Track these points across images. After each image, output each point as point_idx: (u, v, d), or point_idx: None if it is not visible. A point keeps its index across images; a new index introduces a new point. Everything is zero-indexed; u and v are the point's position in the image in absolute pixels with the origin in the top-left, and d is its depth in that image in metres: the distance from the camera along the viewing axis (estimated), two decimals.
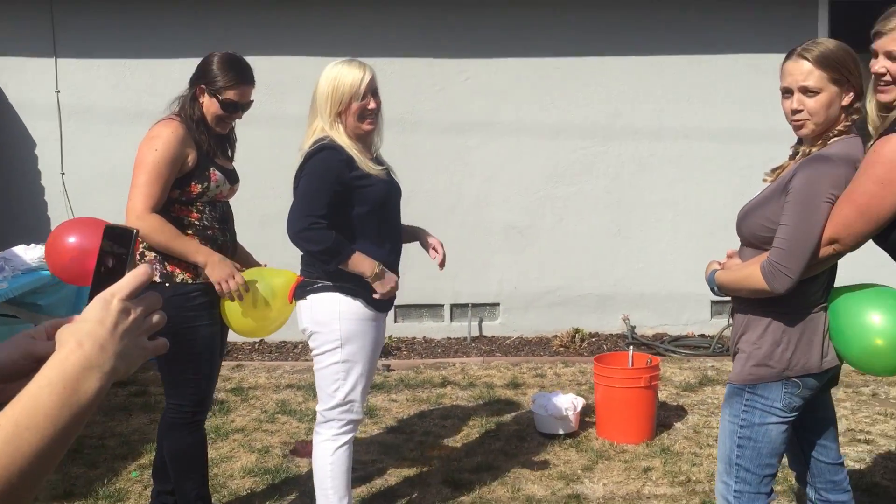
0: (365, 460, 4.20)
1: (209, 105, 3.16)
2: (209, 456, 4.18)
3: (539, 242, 6.68)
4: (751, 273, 2.38)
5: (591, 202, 6.67)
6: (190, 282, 3.16)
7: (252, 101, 3.25)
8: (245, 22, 6.39)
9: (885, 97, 2.28)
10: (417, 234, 3.57)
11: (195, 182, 3.14)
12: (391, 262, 3.26)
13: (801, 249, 2.28)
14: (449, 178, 6.64)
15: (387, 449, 4.37)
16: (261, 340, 6.47)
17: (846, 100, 2.36)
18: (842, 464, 2.69)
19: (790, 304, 2.39)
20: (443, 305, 6.75)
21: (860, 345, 2.39)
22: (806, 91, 2.35)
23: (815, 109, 2.34)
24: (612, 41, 6.54)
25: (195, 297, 3.17)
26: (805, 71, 2.34)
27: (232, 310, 3.18)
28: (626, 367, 4.51)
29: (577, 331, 6.51)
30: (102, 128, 6.42)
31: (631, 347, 4.77)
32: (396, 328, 6.66)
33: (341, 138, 3.08)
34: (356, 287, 3.11)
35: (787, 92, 2.41)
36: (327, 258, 3.01)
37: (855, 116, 2.39)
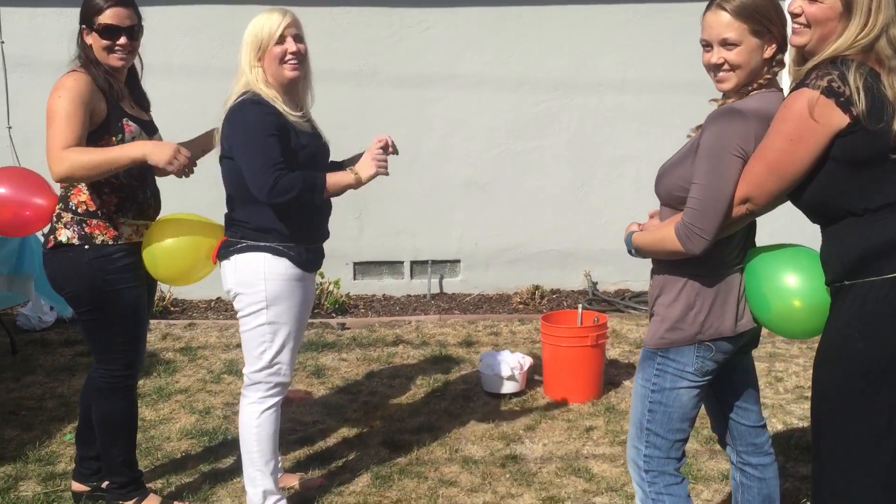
0: (306, 421, 4.15)
1: (94, 42, 3.01)
2: (148, 417, 4.14)
3: (500, 198, 6.57)
4: (665, 235, 2.30)
5: (553, 157, 6.55)
6: (111, 243, 3.05)
7: (134, 25, 3.04)
8: None
9: (798, 39, 2.16)
10: (355, 159, 3.33)
11: (109, 135, 3.00)
12: (319, 224, 3.16)
13: (714, 209, 2.20)
14: (408, 133, 6.47)
15: (330, 410, 4.31)
16: (217, 298, 6.38)
17: (768, 52, 2.26)
18: (763, 426, 2.64)
19: (704, 266, 2.31)
20: (403, 262, 6.66)
21: (777, 307, 2.32)
22: (725, 43, 2.25)
23: (736, 62, 2.25)
24: None
25: (117, 258, 3.07)
26: (724, 23, 2.24)
27: (151, 256, 3.09)
28: (572, 326, 4.44)
29: (537, 287, 6.44)
30: (49, 80, 6.20)
31: (580, 305, 4.70)
32: (355, 285, 6.57)
33: (265, 90, 2.96)
34: (282, 246, 3.02)
35: (706, 45, 2.31)
36: (309, 196, 2.95)
37: (777, 69, 2.29)
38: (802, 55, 2.18)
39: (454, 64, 6.41)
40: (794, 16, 2.16)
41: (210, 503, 3.37)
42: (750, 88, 2.28)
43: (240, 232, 3.05)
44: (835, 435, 2.17)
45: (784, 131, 2.09)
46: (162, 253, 3.09)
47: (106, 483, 3.26)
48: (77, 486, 3.36)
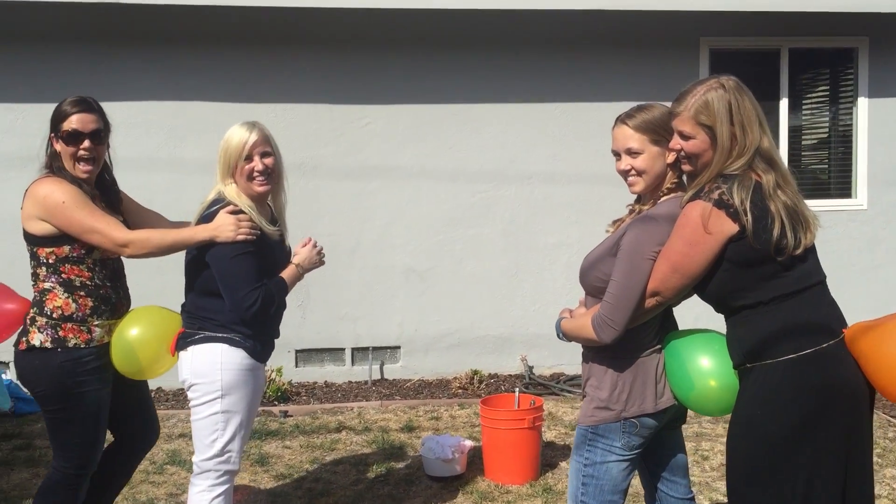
0: None
1: (62, 150, 3.14)
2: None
3: (439, 285, 6.80)
4: (584, 324, 2.55)
5: (489, 245, 6.83)
6: (83, 346, 3.15)
7: (99, 129, 3.17)
8: (143, 66, 6.39)
9: (685, 167, 2.50)
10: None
11: (79, 243, 3.12)
12: (278, 321, 3.31)
13: (626, 304, 2.46)
14: (349, 222, 6.71)
15: (275, 498, 4.36)
16: (157, 388, 6.38)
17: (669, 158, 2.56)
18: (692, 498, 2.85)
19: (623, 350, 2.56)
20: (344, 349, 6.79)
21: (696, 386, 2.55)
22: (630, 152, 2.57)
23: (640, 168, 2.56)
24: (508, 87, 6.76)
25: (87, 361, 3.17)
26: (627, 135, 2.57)
27: (116, 352, 3.20)
28: (510, 409, 4.62)
29: (475, 372, 6.62)
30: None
31: (517, 389, 4.89)
32: (297, 373, 6.66)
33: (236, 198, 3.15)
34: (237, 337, 3.14)
35: (616, 154, 2.61)
36: (278, 305, 3.18)
37: (679, 173, 2.59)
38: (695, 176, 2.48)
39: (394, 156, 6.71)
40: (676, 151, 2.48)
41: None
42: (660, 193, 2.58)
43: (197, 323, 3.18)
44: (749, 499, 2.39)
45: (684, 236, 2.38)
46: (124, 351, 3.20)
47: None
48: None
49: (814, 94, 7.49)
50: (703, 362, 2.56)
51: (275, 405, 6.03)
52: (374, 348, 6.78)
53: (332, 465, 4.84)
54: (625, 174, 2.60)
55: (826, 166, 7.53)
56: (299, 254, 3.31)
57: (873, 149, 7.11)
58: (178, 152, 6.43)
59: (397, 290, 6.77)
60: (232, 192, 3.15)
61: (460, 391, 6.44)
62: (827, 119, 7.42)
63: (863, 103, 7.09)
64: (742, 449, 2.40)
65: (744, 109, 2.39)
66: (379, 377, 6.77)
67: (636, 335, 2.56)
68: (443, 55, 6.69)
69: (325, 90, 6.60)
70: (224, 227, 3.05)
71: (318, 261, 3.35)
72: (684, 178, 2.61)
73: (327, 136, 6.65)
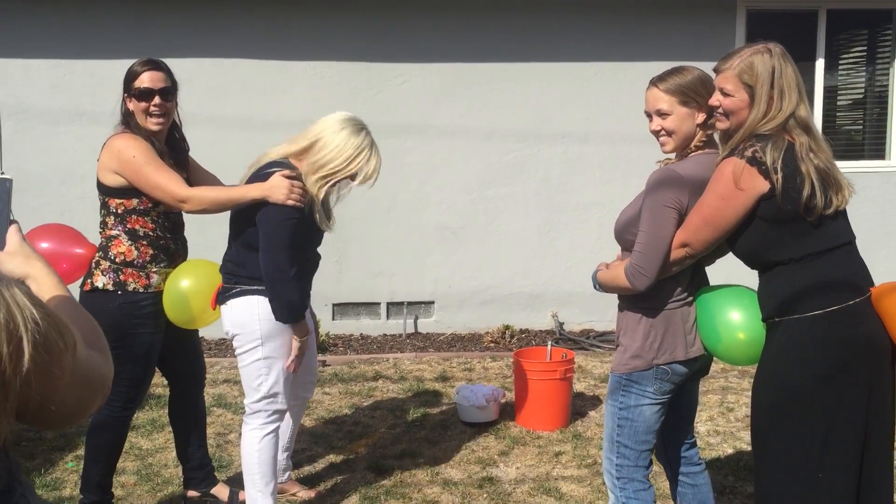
0: (295, 449, 4.40)
1: (135, 107, 3.35)
2: (145, 447, 4.39)
3: (472, 242, 6.95)
4: (617, 274, 2.70)
5: (522, 203, 6.95)
6: (141, 290, 3.37)
7: (168, 86, 3.36)
8: (186, 24, 6.54)
9: (720, 125, 2.60)
10: None
11: (145, 195, 3.33)
12: (309, 281, 3.48)
13: (654, 252, 2.60)
14: (385, 180, 6.73)
15: (317, 439, 4.59)
16: (201, 338, 6.61)
17: (699, 118, 2.69)
18: (694, 443, 3.04)
19: (655, 301, 2.70)
20: (379, 304, 6.98)
21: (725, 338, 2.68)
22: (660, 113, 2.69)
23: (670, 128, 2.69)
24: (543, 47, 6.82)
25: (144, 305, 3.39)
26: (657, 97, 2.70)
27: (167, 301, 3.41)
28: (543, 361, 4.79)
29: (507, 327, 6.79)
30: (43, 128, 6.51)
31: (550, 343, 5.05)
32: (334, 326, 6.87)
33: (311, 186, 3.23)
34: None
35: (648, 116, 2.74)
36: (299, 315, 3.28)
37: (710, 131, 2.70)
38: (728, 135, 2.59)
39: (429, 115, 6.82)
40: (715, 108, 2.59)
41: None
42: (688, 150, 2.71)
43: (234, 278, 3.36)
44: (770, 449, 2.53)
45: (717, 191, 2.50)
46: (176, 300, 3.40)
47: (81, 497, 3.53)
48: (190, 493, 3.78)
49: (850, 55, 7.47)
50: (733, 315, 2.69)
51: None
52: (409, 303, 6.96)
53: (370, 409, 5.06)
54: (656, 134, 2.73)
55: (861, 127, 7.53)
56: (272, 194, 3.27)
57: None
58: (218, 110, 6.59)
59: (431, 247, 6.93)
60: (299, 164, 3.27)
61: (492, 345, 6.62)
62: (863, 80, 7.40)
63: None
64: (766, 397, 2.53)
65: (786, 76, 2.49)
66: (413, 331, 6.97)
67: (668, 286, 2.69)
68: (479, 14, 6.76)
69: (364, 48, 6.71)
70: (277, 189, 3.19)
71: (286, 196, 3.19)
72: (715, 136, 2.71)
73: (365, 94, 6.77)
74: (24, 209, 5.96)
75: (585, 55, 6.84)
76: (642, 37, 6.81)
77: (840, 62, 7.36)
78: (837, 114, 7.44)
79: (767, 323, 2.57)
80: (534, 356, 4.91)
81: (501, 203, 6.95)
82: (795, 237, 2.46)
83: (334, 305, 6.92)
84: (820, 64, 7.02)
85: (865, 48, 7.42)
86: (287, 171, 3.24)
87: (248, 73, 6.64)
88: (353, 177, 3.29)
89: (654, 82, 2.71)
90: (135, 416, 4.81)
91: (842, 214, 2.52)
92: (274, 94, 6.68)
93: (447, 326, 7.00)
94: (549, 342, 5.08)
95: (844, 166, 7.62)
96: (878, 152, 7.27)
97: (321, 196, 3.27)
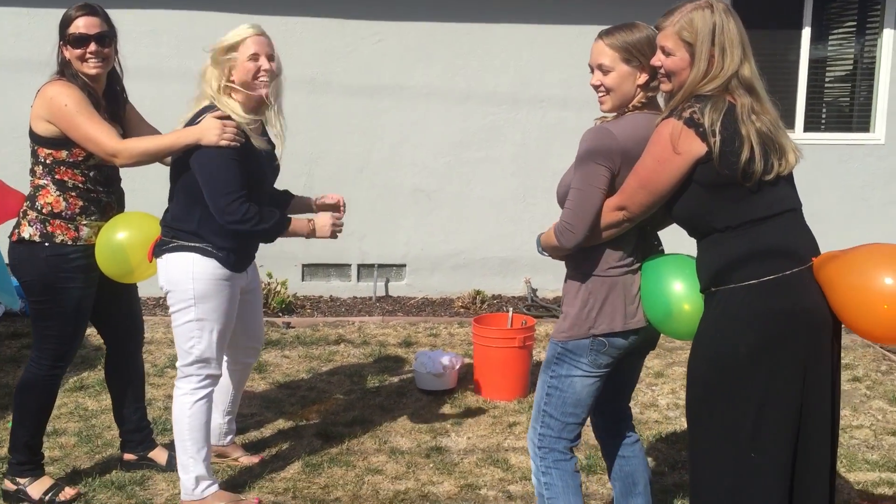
0: (245, 413, 4.33)
1: (70, 55, 3.21)
2: (91, 407, 4.30)
3: (446, 206, 6.82)
4: (551, 232, 2.58)
5: (498, 168, 6.81)
6: (70, 243, 3.25)
7: (104, 32, 3.23)
8: None
9: (664, 87, 2.46)
10: (304, 203, 3.60)
11: (80, 146, 3.20)
12: (253, 238, 3.32)
13: (583, 209, 2.50)
14: (359, 140, 6.71)
15: (268, 403, 4.50)
16: (160, 297, 6.51)
17: (640, 79, 2.55)
18: (629, 416, 2.97)
19: (595, 268, 2.59)
20: (350, 265, 6.87)
21: (669, 310, 2.56)
22: (601, 68, 2.56)
23: (609, 85, 2.56)
24: (522, 9, 6.63)
25: (73, 258, 3.27)
26: (601, 51, 2.56)
27: (100, 253, 3.29)
28: (502, 328, 4.69)
29: (478, 293, 6.69)
30: (5, 78, 6.34)
31: (511, 309, 4.95)
32: (303, 286, 6.77)
33: (226, 104, 3.14)
34: (210, 247, 3.19)
35: (591, 69, 2.59)
36: (267, 234, 3.16)
37: (651, 94, 2.58)
38: (672, 97, 2.45)
39: (405, 76, 6.65)
40: (657, 69, 2.45)
41: (146, 487, 3.54)
42: (626, 110, 2.58)
43: (171, 232, 3.24)
44: (702, 423, 2.43)
45: (653, 153, 2.37)
46: (109, 252, 3.27)
47: (9, 458, 3.43)
48: (127, 456, 3.68)
49: (839, 26, 7.27)
50: (677, 286, 2.57)
51: (279, 316, 6.16)
52: (380, 265, 6.86)
53: (328, 375, 4.97)
54: (595, 89, 2.61)
55: (847, 100, 7.36)
56: (320, 218, 3.32)
57: None
58: (187, 63, 6.41)
59: (405, 209, 6.81)
60: (220, 96, 3.14)
61: (462, 310, 6.52)
62: (851, 51, 7.22)
63: (888, 35, 6.89)
64: (699, 370, 2.43)
65: (727, 32, 2.35)
66: (384, 294, 6.87)
67: (608, 252, 2.58)
68: None
69: (338, 5, 6.52)
70: (209, 131, 3.06)
71: (329, 232, 3.32)
72: (660, 98, 2.58)
73: (339, 51, 6.59)
74: None
75: (567, 18, 6.65)
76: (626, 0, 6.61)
77: (830, 33, 7.17)
78: (825, 86, 7.26)
79: (704, 294, 2.46)
80: (494, 322, 4.81)
81: (477, 167, 6.81)
82: (733, 203, 2.34)
83: (304, 266, 6.81)
84: (806, 33, 6.84)
85: (855, 20, 7.22)
86: (218, 112, 3.12)
87: (219, 27, 6.35)
88: (252, 58, 3.10)
89: (601, 35, 2.58)
90: (85, 374, 4.76)
91: (785, 180, 2.39)
92: None
93: (418, 290, 6.90)
94: (510, 309, 4.97)
95: (830, 138, 7.48)
96: (864, 125, 7.11)
97: (244, 112, 3.13)
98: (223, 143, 3.06)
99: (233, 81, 3.15)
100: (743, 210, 2.33)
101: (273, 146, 3.37)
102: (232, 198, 3.07)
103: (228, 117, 3.11)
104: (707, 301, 2.43)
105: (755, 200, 2.33)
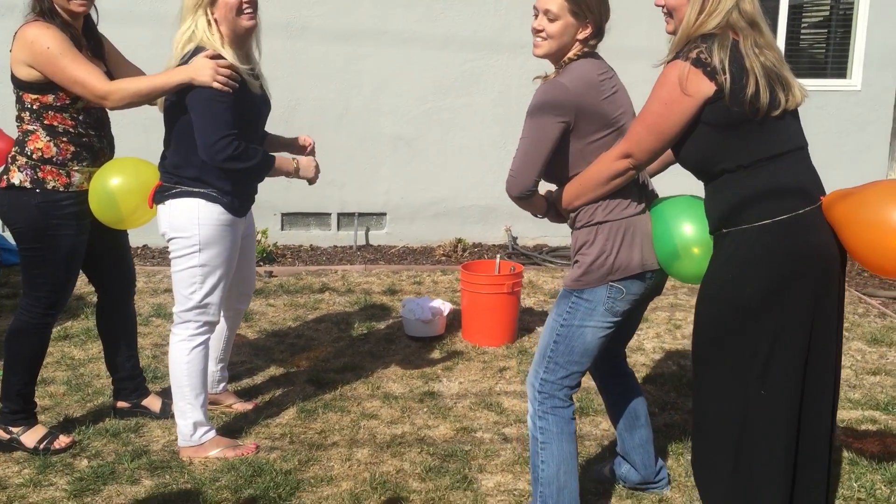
0: (235, 361, 4.31)
1: None
2: (77, 356, 4.26)
3: (426, 153, 6.77)
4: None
5: (479, 115, 6.76)
6: (61, 189, 3.17)
7: None
8: None
9: (667, 27, 2.47)
10: (279, 142, 3.58)
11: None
12: (252, 179, 3.28)
13: (530, 159, 2.55)
14: (337, 87, 6.61)
15: (258, 351, 4.49)
16: (143, 245, 6.44)
17: (582, 33, 2.57)
18: (624, 357, 3.06)
19: (606, 216, 2.59)
20: (330, 214, 6.82)
21: (679, 252, 2.57)
22: (548, 14, 2.56)
23: (551, 32, 2.57)
24: None
25: (65, 205, 3.20)
26: None
27: (94, 199, 3.22)
28: (490, 274, 4.70)
29: (459, 241, 6.69)
30: None
31: (498, 256, 4.96)
32: (283, 235, 6.72)
33: (215, 43, 3.06)
34: (215, 192, 3.16)
35: (535, 11, 2.61)
36: (256, 173, 3.16)
37: (587, 50, 2.60)
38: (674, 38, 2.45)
39: (384, 21, 6.54)
40: (660, 6, 2.45)
41: (141, 434, 3.53)
42: (565, 61, 2.59)
43: (174, 178, 3.18)
44: (710, 363, 2.47)
45: (660, 96, 2.36)
46: (102, 199, 3.20)
47: (1, 407, 3.39)
48: (120, 404, 3.65)
49: None
50: (686, 227, 2.58)
51: (260, 265, 6.11)
52: (360, 214, 6.81)
53: (315, 322, 4.96)
54: (534, 32, 2.61)
55: (824, 46, 7.39)
56: (303, 161, 3.34)
57: (872, 29, 6.96)
58: (159, 5, 6.24)
59: (384, 157, 6.75)
60: (208, 37, 3.05)
61: (444, 258, 6.53)
62: None
63: None
64: (709, 311, 2.45)
65: None
66: (364, 243, 6.84)
67: (616, 199, 2.58)
68: None
69: None
70: (201, 70, 2.99)
71: (313, 174, 3.37)
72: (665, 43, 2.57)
73: None
74: None
75: None
76: None
77: None
78: (802, 32, 7.29)
79: (714, 235, 2.47)
80: (482, 269, 4.82)
81: (458, 114, 6.75)
82: (743, 142, 2.34)
83: (283, 215, 6.75)
84: None
85: None
86: (209, 52, 3.04)
87: None
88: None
89: None
90: (69, 324, 4.70)
91: (792, 116, 2.39)
92: None
93: (399, 239, 6.88)
94: (498, 255, 4.98)
95: (806, 84, 7.48)
96: (840, 71, 7.16)
97: (230, 47, 3.07)
98: (216, 84, 2.99)
99: (216, 20, 3.07)
100: (754, 148, 2.34)
101: (263, 83, 3.30)
102: (220, 135, 3.01)
103: (220, 56, 3.04)
104: (717, 242, 2.45)
105: (766, 138, 2.33)
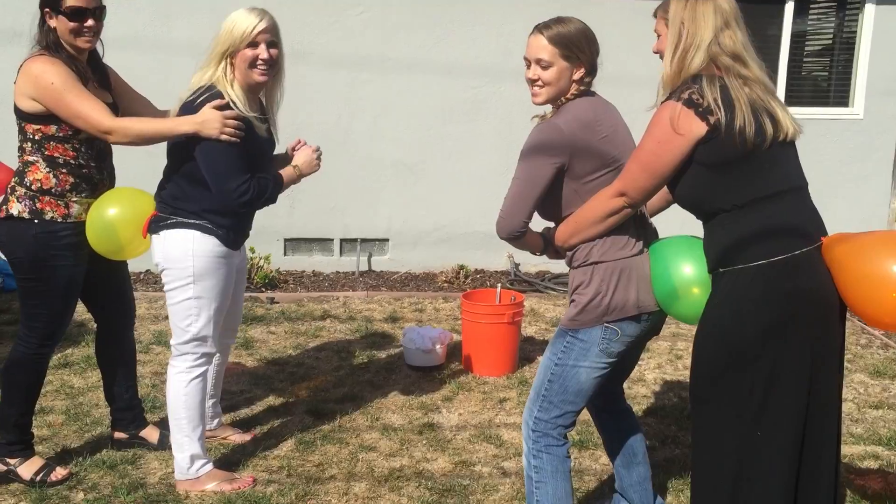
0: (234, 391, 4.31)
1: (59, 25, 3.11)
2: (77, 385, 4.25)
3: (428, 180, 6.78)
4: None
5: (481, 141, 6.78)
6: (60, 220, 3.18)
7: (102, 6, 3.17)
8: None
9: (662, 72, 2.47)
10: (281, 160, 3.54)
11: None
12: (252, 212, 3.31)
13: (521, 201, 2.56)
14: (340, 113, 6.64)
15: (257, 380, 4.48)
16: (146, 271, 6.45)
17: (577, 74, 2.59)
18: (622, 393, 3.05)
19: (602, 256, 2.58)
20: (332, 240, 6.83)
21: (678, 293, 2.55)
22: (540, 62, 2.58)
23: (547, 79, 2.59)
24: None
25: (63, 236, 3.20)
26: (540, 46, 2.58)
27: (91, 230, 3.22)
28: (491, 304, 4.69)
29: (461, 267, 6.69)
30: None
31: (499, 285, 4.96)
32: (286, 261, 6.72)
33: (230, 90, 3.08)
34: (210, 225, 3.16)
35: (527, 62, 2.63)
36: (271, 199, 3.18)
37: (584, 88, 2.62)
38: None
39: (387, 47, 6.57)
40: (656, 53, 2.51)
41: (138, 466, 3.51)
42: (561, 101, 2.61)
43: (170, 208, 3.19)
44: (708, 402, 2.45)
45: (653, 134, 2.37)
46: (101, 228, 3.21)
47: None
48: (117, 435, 3.64)
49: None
50: (686, 268, 2.57)
51: (262, 291, 6.11)
52: (363, 240, 6.82)
53: (315, 351, 4.95)
54: (531, 83, 2.63)
55: (826, 74, 7.41)
56: (298, 156, 3.32)
57: (875, 57, 6.98)
58: (165, 32, 6.29)
59: (387, 183, 6.76)
60: (223, 79, 3.09)
61: (446, 285, 6.52)
62: (832, 25, 7.25)
63: (870, 10, 6.93)
64: (706, 351, 2.44)
65: (699, 5, 2.37)
66: (367, 268, 6.84)
67: (614, 239, 2.58)
68: None
69: None
70: (209, 123, 3.01)
71: (316, 165, 3.36)
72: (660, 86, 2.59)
73: (321, 22, 6.49)
74: None
75: None
76: None
77: (810, 7, 7.19)
78: (804, 59, 7.30)
79: (712, 275, 2.47)
80: (482, 298, 4.81)
81: (460, 140, 6.77)
82: (737, 181, 2.34)
83: (286, 240, 6.76)
84: (789, 7, 6.86)
85: None
86: (217, 101, 3.05)
87: None
88: (252, 45, 3.05)
89: (540, 29, 2.61)
90: (69, 351, 4.70)
91: (787, 153, 2.39)
92: (222, 18, 6.34)
93: (401, 265, 6.88)
94: (499, 285, 4.97)
95: (808, 113, 7.51)
96: (843, 100, 7.17)
97: (242, 93, 3.08)
98: (224, 137, 3.02)
99: (233, 65, 3.09)
100: (749, 188, 2.34)
101: (271, 127, 3.31)
102: (237, 182, 3.06)
103: (228, 106, 3.06)
104: (715, 281, 2.44)
105: (761, 177, 2.33)
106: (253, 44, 3.06)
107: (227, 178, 3.05)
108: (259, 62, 3.08)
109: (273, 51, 3.11)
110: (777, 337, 2.33)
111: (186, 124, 3.04)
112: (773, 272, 2.32)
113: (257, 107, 3.22)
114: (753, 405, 2.36)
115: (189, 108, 3.07)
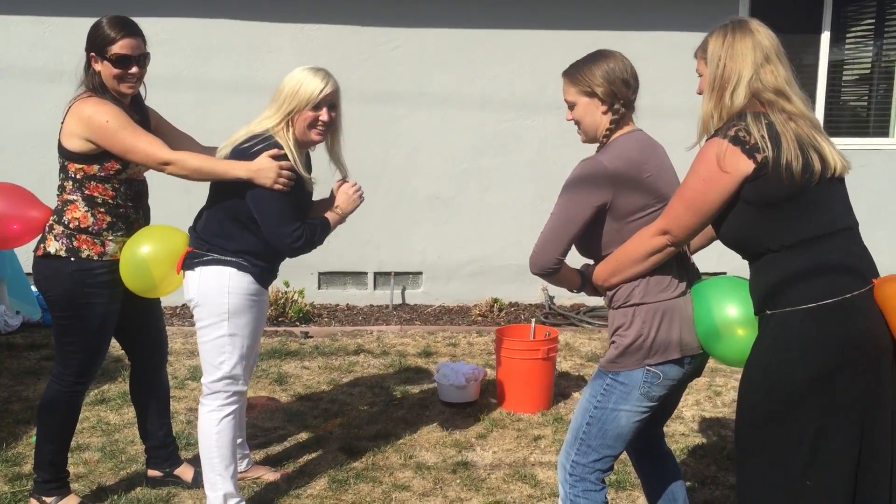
0: (267, 427, 4.30)
1: (104, 70, 3.17)
2: (113, 421, 4.28)
3: (463, 213, 6.79)
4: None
5: (516, 174, 6.78)
6: (96, 258, 3.22)
7: (146, 54, 3.24)
8: None
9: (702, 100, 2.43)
10: (324, 206, 3.56)
11: (114, 159, 3.18)
12: (279, 263, 3.35)
13: (556, 236, 2.53)
14: (375, 148, 6.69)
15: (291, 416, 4.47)
16: (182, 305, 6.51)
17: (602, 108, 2.58)
18: (662, 436, 2.96)
19: (644, 297, 2.53)
20: (366, 273, 6.84)
21: (722, 335, 2.50)
22: (569, 104, 2.64)
23: (576, 118, 2.64)
24: (539, 15, 6.60)
25: (98, 273, 3.24)
26: (564, 88, 2.65)
27: (124, 269, 3.25)
28: (525, 339, 4.65)
29: (496, 301, 6.65)
30: (21, 88, 6.33)
31: (534, 320, 4.91)
32: (319, 295, 6.74)
33: (284, 138, 3.12)
34: (245, 262, 3.18)
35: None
36: (317, 244, 3.23)
37: (616, 116, 2.58)
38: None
39: (421, 82, 6.62)
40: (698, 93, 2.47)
41: None
42: (602, 139, 2.59)
43: (206, 245, 3.21)
44: (753, 451, 2.35)
45: (698, 172, 2.32)
46: (134, 267, 3.24)
47: (34, 476, 3.40)
48: (152, 472, 3.66)
49: (858, 28, 7.22)
50: (731, 309, 2.51)
51: (296, 325, 6.13)
52: (397, 273, 6.82)
53: (349, 386, 4.94)
54: (576, 124, 2.67)
55: (865, 104, 7.31)
56: (339, 198, 3.33)
57: None
58: (203, 72, 6.40)
59: (421, 216, 6.78)
60: (283, 132, 3.12)
61: (480, 318, 6.49)
62: (870, 54, 7.16)
63: None
64: (752, 396, 2.34)
65: (738, 42, 2.33)
66: (400, 302, 6.83)
67: (656, 280, 2.53)
68: None
69: (355, 11, 6.49)
70: (264, 172, 3.05)
71: (357, 200, 3.37)
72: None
73: (354, 58, 6.56)
74: (2, 172, 5.78)
75: (583, 23, 6.61)
76: (642, 5, 6.57)
77: (847, 36, 7.12)
78: (843, 89, 7.21)
79: (759, 317, 2.38)
80: (517, 334, 4.77)
81: (494, 174, 6.77)
82: (786, 221, 2.27)
83: (320, 274, 6.79)
84: (825, 37, 6.79)
85: (874, 21, 7.17)
86: (274, 151, 3.08)
87: (234, 35, 6.43)
88: (315, 108, 3.09)
89: (563, 74, 2.65)
90: (106, 387, 4.74)
91: (835, 193, 2.32)
92: (260, 57, 6.47)
93: (435, 298, 6.86)
94: (533, 319, 4.93)
95: (847, 143, 7.41)
96: (882, 130, 7.06)
97: (294, 145, 3.11)
98: (277, 187, 3.06)
99: (293, 121, 3.13)
100: (797, 228, 2.26)
101: (311, 179, 3.34)
102: (291, 228, 3.10)
103: (285, 156, 3.10)
104: (761, 324, 2.36)
105: (809, 218, 2.26)
106: (316, 106, 3.10)
107: (280, 224, 3.10)
108: (319, 124, 3.13)
109: (333, 113, 3.16)
110: (827, 385, 2.23)
111: (241, 169, 3.08)
112: (824, 316, 2.23)
113: (304, 160, 3.26)
114: (802, 454, 2.25)
115: (244, 153, 3.10)
